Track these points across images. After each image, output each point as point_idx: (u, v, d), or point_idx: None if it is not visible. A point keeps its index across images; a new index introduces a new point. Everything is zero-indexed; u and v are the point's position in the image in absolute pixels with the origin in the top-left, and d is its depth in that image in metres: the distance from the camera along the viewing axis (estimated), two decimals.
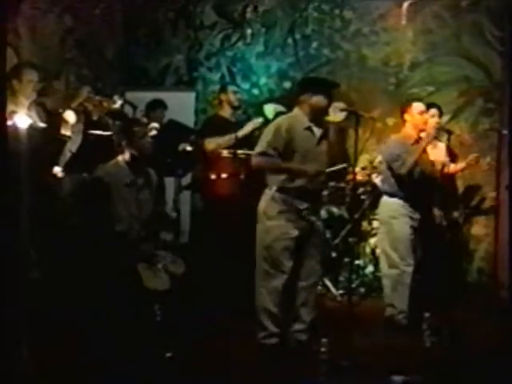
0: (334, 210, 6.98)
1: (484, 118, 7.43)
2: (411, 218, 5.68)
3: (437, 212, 6.17)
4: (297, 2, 7.91)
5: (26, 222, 4.27)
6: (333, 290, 6.73)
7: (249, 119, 7.24)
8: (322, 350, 4.36)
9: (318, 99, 4.85)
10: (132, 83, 7.94)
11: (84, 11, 7.33)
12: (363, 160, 7.04)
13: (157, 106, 7.08)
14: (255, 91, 7.99)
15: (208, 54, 8.14)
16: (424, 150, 5.67)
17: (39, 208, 5.19)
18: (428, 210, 5.90)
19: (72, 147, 5.72)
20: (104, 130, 5.79)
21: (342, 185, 7.03)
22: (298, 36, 7.93)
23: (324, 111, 4.94)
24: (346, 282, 6.74)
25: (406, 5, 7.59)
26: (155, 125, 5.98)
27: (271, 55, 7.98)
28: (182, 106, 7.63)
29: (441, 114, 6.39)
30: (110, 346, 4.48)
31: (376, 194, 6.54)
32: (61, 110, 5.69)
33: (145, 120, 6.35)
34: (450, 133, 6.04)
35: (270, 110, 7.06)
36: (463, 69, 7.49)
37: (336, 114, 5.97)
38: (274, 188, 4.82)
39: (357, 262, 7.06)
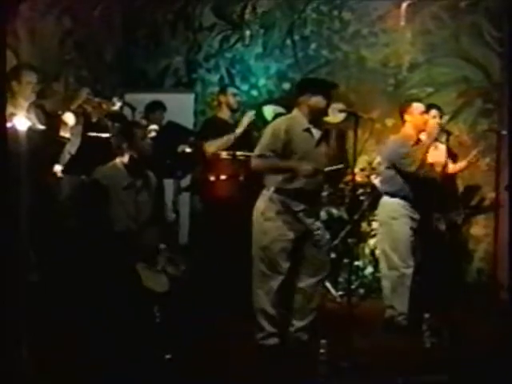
0: (334, 211, 6.98)
1: (483, 119, 7.43)
2: (411, 218, 5.68)
3: (437, 213, 6.17)
4: (295, 4, 7.91)
5: (26, 224, 4.28)
6: (332, 291, 6.73)
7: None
8: (322, 351, 4.36)
9: (317, 100, 4.85)
10: (131, 85, 7.95)
11: (83, 13, 7.33)
12: (362, 161, 7.04)
13: (156, 107, 7.09)
14: (254, 92, 7.99)
15: (207, 56, 8.14)
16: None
17: (38, 209, 5.19)
18: (428, 210, 5.90)
19: (71, 149, 5.71)
20: (103, 132, 5.79)
21: (341, 186, 7.04)
22: (296, 37, 7.94)
23: (323, 112, 4.94)
24: (345, 283, 6.75)
25: (404, 6, 7.59)
26: (154, 126, 5.98)
27: (270, 56, 7.99)
28: (181, 107, 7.64)
29: (441, 115, 6.39)
30: (110, 347, 4.47)
31: (375, 194, 6.55)
32: (60, 112, 5.69)
33: (144, 122, 6.36)
34: (448, 133, 6.04)
35: (269, 111, 7.08)
36: (462, 70, 7.50)
37: (335, 115, 5.98)
38: (272, 189, 4.82)
39: (356, 263, 7.06)
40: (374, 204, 6.49)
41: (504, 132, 6.59)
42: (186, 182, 6.74)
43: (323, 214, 6.59)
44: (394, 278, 5.66)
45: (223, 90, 6.65)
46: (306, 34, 7.90)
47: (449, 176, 6.40)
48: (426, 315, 5.17)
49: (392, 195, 5.72)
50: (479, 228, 7.41)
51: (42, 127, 5.49)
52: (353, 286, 6.69)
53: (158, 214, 5.37)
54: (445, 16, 7.57)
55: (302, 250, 4.86)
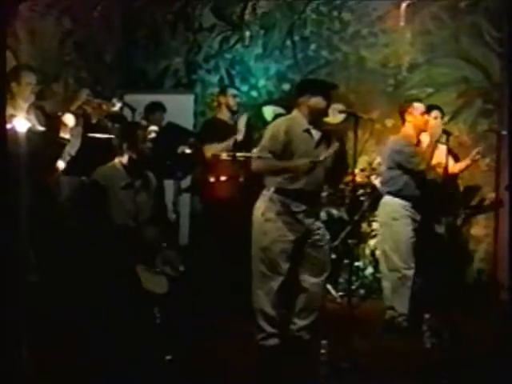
0: (334, 211, 6.98)
1: (483, 119, 7.43)
2: (412, 219, 5.68)
3: (438, 213, 6.17)
4: (295, 4, 7.91)
5: (26, 224, 4.28)
6: (333, 291, 6.73)
7: (248, 122, 7.24)
8: (322, 351, 4.36)
9: (317, 101, 4.85)
10: (131, 86, 7.95)
11: (82, 14, 7.33)
12: (362, 162, 7.05)
13: (156, 108, 7.09)
14: (254, 93, 7.99)
15: (207, 57, 8.15)
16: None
17: (38, 210, 5.19)
18: (429, 211, 5.90)
19: (71, 150, 5.71)
20: (103, 133, 5.79)
21: (342, 186, 7.03)
22: (296, 38, 7.94)
23: (323, 113, 4.93)
24: (345, 283, 6.75)
25: (404, 6, 7.59)
26: (154, 127, 5.98)
27: (270, 57, 7.99)
28: (180, 108, 7.64)
29: (443, 116, 6.39)
30: (110, 347, 4.47)
31: (375, 195, 6.55)
32: (60, 113, 5.68)
33: (144, 123, 6.36)
34: (448, 134, 6.04)
35: (268, 111, 7.08)
36: (462, 70, 7.50)
37: (335, 116, 5.98)
38: (272, 189, 4.82)
39: (356, 263, 7.06)
40: (374, 204, 6.49)
41: (504, 132, 6.59)
42: (186, 182, 6.73)
43: (323, 215, 6.59)
44: (395, 279, 5.65)
45: (223, 91, 6.66)
46: (306, 35, 7.91)
47: (450, 177, 6.41)
48: (426, 316, 5.17)
49: (394, 195, 5.71)
50: (479, 228, 7.41)
51: (41, 128, 5.49)
52: (353, 287, 6.69)
53: (158, 214, 5.36)
54: (444, 16, 7.57)
55: (303, 250, 4.85)
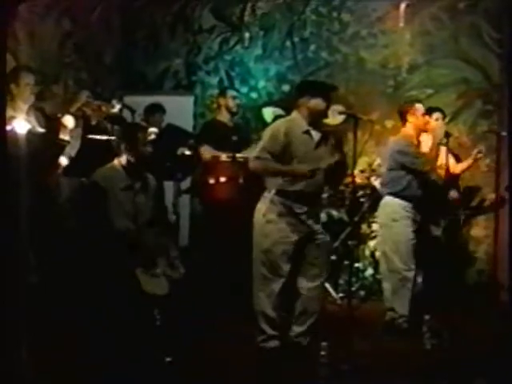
0: (334, 212, 6.98)
1: (482, 120, 7.44)
2: (413, 220, 5.68)
3: (438, 214, 6.17)
4: (295, 5, 7.91)
5: (26, 225, 4.28)
6: (333, 293, 6.72)
7: (247, 123, 7.27)
8: (322, 353, 4.35)
9: (317, 102, 4.84)
10: (130, 87, 7.95)
11: (82, 15, 7.33)
12: (362, 163, 7.05)
13: (155, 110, 7.09)
14: (254, 95, 8.00)
15: (206, 58, 8.15)
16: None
17: (38, 212, 5.19)
18: (430, 212, 5.91)
19: (71, 152, 5.71)
20: (103, 135, 5.79)
21: (341, 188, 7.03)
22: (296, 39, 7.95)
23: (323, 114, 4.93)
24: (345, 285, 6.75)
25: (403, 7, 7.59)
26: (154, 129, 5.98)
27: (269, 58, 8.00)
28: (180, 110, 7.64)
29: (444, 118, 6.39)
30: (110, 349, 4.47)
31: (375, 196, 6.55)
32: (59, 115, 5.68)
33: (143, 124, 6.35)
34: (448, 135, 6.04)
35: (268, 113, 7.07)
36: (461, 71, 7.50)
37: (334, 117, 5.98)
38: (273, 191, 4.82)
39: (356, 264, 7.06)
40: (374, 206, 6.49)
41: (504, 133, 6.59)
42: (185, 184, 6.73)
43: (323, 216, 6.59)
44: (395, 281, 5.65)
45: (223, 93, 6.66)
46: (306, 36, 7.91)
47: (452, 177, 6.42)
48: (427, 317, 5.17)
49: (395, 196, 5.70)
50: (479, 229, 7.42)
51: (41, 130, 5.49)
52: (353, 288, 6.70)
53: (158, 216, 5.36)
54: (444, 17, 7.58)
55: (303, 252, 4.85)
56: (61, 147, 5.64)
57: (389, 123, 7.38)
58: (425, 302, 5.67)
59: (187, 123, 7.53)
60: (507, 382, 4.35)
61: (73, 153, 5.73)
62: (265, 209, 4.83)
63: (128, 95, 7.48)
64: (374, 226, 6.94)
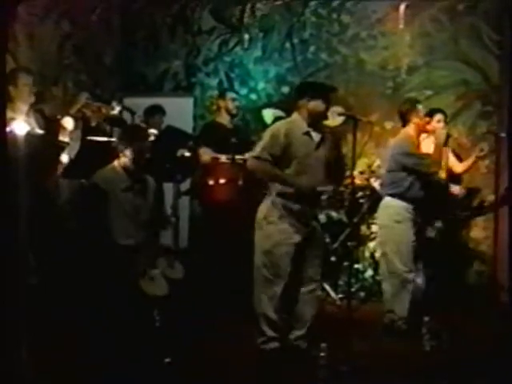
0: (333, 214, 6.98)
1: (482, 122, 7.44)
2: (414, 222, 5.67)
3: (439, 215, 6.18)
4: (294, 7, 7.92)
5: (25, 227, 4.28)
6: (332, 294, 6.72)
7: (247, 125, 7.27)
8: (322, 354, 4.35)
9: (316, 104, 4.85)
10: (130, 89, 7.96)
11: (81, 17, 7.34)
12: (362, 164, 7.05)
13: (155, 111, 7.09)
14: (253, 96, 8.00)
15: (206, 60, 8.16)
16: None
17: (38, 213, 5.18)
18: (431, 213, 5.91)
19: (70, 153, 5.71)
20: (102, 137, 5.79)
21: (341, 189, 7.03)
22: (295, 40, 7.95)
23: (322, 116, 4.93)
24: (345, 286, 6.74)
25: (403, 8, 7.59)
26: (153, 131, 5.99)
27: (269, 60, 8.00)
28: (180, 111, 7.64)
29: (446, 119, 6.39)
30: (109, 350, 4.47)
31: (375, 197, 6.55)
32: (59, 117, 5.68)
33: (143, 126, 6.36)
34: (448, 136, 6.05)
35: (268, 114, 7.08)
36: (461, 72, 7.50)
37: (334, 119, 5.98)
38: (274, 193, 4.82)
39: (356, 266, 7.06)
40: (373, 207, 6.49)
41: (503, 134, 6.58)
42: (185, 185, 6.73)
43: (323, 217, 6.59)
44: (396, 283, 5.64)
45: (222, 95, 6.67)
46: (305, 38, 7.92)
47: (454, 177, 6.44)
48: (426, 318, 5.16)
49: (397, 197, 5.68)
50: (479, 230, 7.41)
51: (41, 131, 5.49)
52: (353, 289, 6.70)
53: (158, 217, 5.36)
54: (443, 18, 7.58)
55: (304, 253, 4.85)
56: (60, 149, 5.64)
57: (388, 124, 7.40)
58: (424, 304, 5.66)
59: (187, 125, 7.53)
60: (507, 382, 4.35)
61: (72, 154, 5.72)
62: (266, 210, 4.84)
63: (128, 97, 7.50)
64: (374, 227, 6.94)
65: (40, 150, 5.28)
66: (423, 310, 5.40)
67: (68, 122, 5.65)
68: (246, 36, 8.01)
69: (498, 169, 7.18)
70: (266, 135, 4.88)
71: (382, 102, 7.61)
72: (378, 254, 6.85)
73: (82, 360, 4.45)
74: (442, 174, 5.94)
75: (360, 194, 7.04)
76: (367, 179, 7.07)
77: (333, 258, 6.88)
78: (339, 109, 5.94)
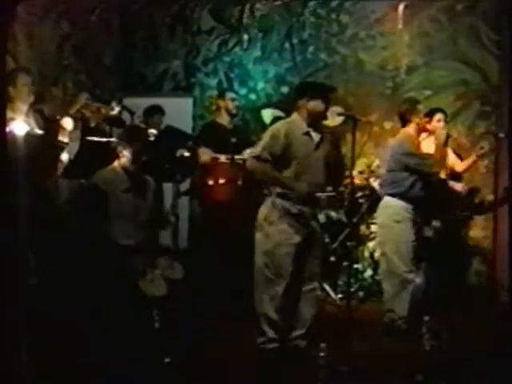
0: (333, 214, 6.98)
1: (481, 121, 7.45)
2: (414, 222, 5.67)
3: (439, 215, 6.18)
4: (293, 7, 7.92)
5: (25, 227, 4.27)
6: (332, 294, 6.72)
7: (246, 125, 7.26)
8: (321, 354, 4.35)
9: (316, 104, 4.85)
10: (130, 89, 7.96)
11: (81, 17, 7.33)
12: (361, 164, 7.05)
13: (154, 111, 7.10)
14: (253, 96, 8.00)
15: (205, 60, 8.16)
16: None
17: (37, 213, 5.18)
18: (431, 212, 5.91)
19: (70, 154, 5.71)
20: (102, 137, 5.79)
21: (340, 189, 7.03)
22: (295, 41, 7.96)
23: (322, 116, 4.94)
24: (344, 286, 6.74)
25: (402, 8, 7.60)
26: (153, 131, 5.99)
27: (268, 60, 8.00)
28: (179, 111, 7.65)
29: (446, 118, 6.39)
30: (109, 350, 4.48)
31: (374, 197, 6.55)
32: (58, 117, 5.68)
33: (143, 126, 6.36)
34: (448, 136, 6.06)
35: (267, 115, 7.08)
36: (460, 72, 7.51)
37: (333, 119, 5.98)
38: (274, 194, 4.82)
39: (355, 265, 7.06)
40: (373, 207, 6.49)
41: (501, 135, 6.59)
42: (185, 185, 6.73)
43: (322, 217, 6.59)
44: (396, 282, 5.63)
45: (222, 95, 6.66)
46: (304, 38, 7.92)
47: (454, 176, 6.45)
48: (426, 318, 5.16)
49: (398, 197, 5.67)
50: (478, 230, 7.41)
51: (40, 132, 5.49)
52: (352, 289, 6.70)
53: (157, 217, 5.37)
54: (442, 18, 7.59)
55: (304, 253, 4.85)
56: (60, 149, 5.64)
57: (387, 124, 7.41)
58: (424, 303, 5.66)
59: (186, 125, 7.54)
60: (507, 382, 4.35)
61: (72, 155, 5.72)
62: (266, 211, 4.84)
63: (127, 97, 7.49)
64: (373, 227, 6.94)
65: (39, 150, 5.27)
66: (423, 309, 5.40)
67: (67, 123, 5.65)
68: (246, 36, 8.02)
69: (497, 169, 7.19)
70: (266, 135, 4.88)
71: (381, 102, 7.62)
72: (377, 254, 6.86)
73: (82, 360, 4.45)
74: (443, 174, 5.94)
75: (359, 194, 7.04)
76: (366, 179, 7.07)
77: (332, 258, 6.88)
78: (338, 109, 5.94)
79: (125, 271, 4.74)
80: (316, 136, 4.90)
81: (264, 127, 6.40)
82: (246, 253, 4.99)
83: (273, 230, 4.80)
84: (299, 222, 4.81)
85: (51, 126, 5.65)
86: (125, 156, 5.05)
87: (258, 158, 4.78)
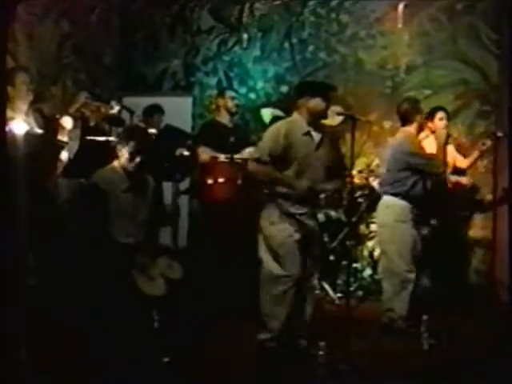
0: (332, 213, 6.98)
1: (480, 121, 7.44)
2: (416, 222, 5.67)
3: (440, 214, 6.18)
4: (293, 6, 7.92)
5: (25, 227, 4.28)
6: (331, 293, 6.72)
7: (246, 124, 7.26)
8: (320, 353, 4.36)
9: (316, 102, 4.85)
10: (129, 88, 7.97)
11: (81, 16, 7.34)
12: (360, 163, 7.06)
13: (154, 111, 7.10)
14: (252, 95, 8.01)
15: (205, 59, 8.16)
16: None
17: (37, 213, 5.19)
18: (432, 212, 5.91)
19: (69, 153, 5.71)
20: (101, 136, 5.79)
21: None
22: (294, 40, 7.95)
23: (322, 114, 4.94)
24: (344, 285, 6.74)
25: (401, 8, 7.60)
26: (152, 130, 5.99)
27: (268, 59, 8.01)
28: (179, 110, 7.65)
29: (448, 117, 6.40)
30: (109, 350, 4.48)
31: (373, 197, 6.54)
32: (58, 116, 5.68)
33: (142, 125, 6.37)
34: (448, 136, 6.06)
35: (267, 114, 7.08)
36: (460, 72, 7.51)
37: (333, 118, 5.98)
38: (274, 194, 4.83)
39: (355, 265, 7.07)
40: (372, 206, 6.48)
41: (500, 134, 6.59)
42: (184, 185, 6.74)
43: (321, 216, 6.59)
44: (397, 282, 5.61)
45: (221, 94, 6.66)
46: (304, 37, 7.92)
47: (458, 173, 6.48)
48: (425, 317, 5.17)
49: (400, 196, 5.65)
50: (477, 229, 7.41)
51: (40, 131, 5.49)
52: (351, 288, 6.71)
53: (157, 216, 5.37)
54: (442, 18, 7.59)
55: (304, 252, 4.86)
56: (59, 148, 5.64)
57: (387, 124, 7.40)
58: (423, 303, 5.66)
59: (186, 124, 7.55)
60: (507, 382, 4.36)
61: (71, 154, 5.73)
62: (268, 211, 4.85)
63: (127, 96, 7.50)
64: (373, 227, 6.94)
65: (39, 149, 5.28)
66: (422, 308, 5.40)
67: (67, 122, 5.65)
68: (245, 35, 8.02)
69: (496, 168, 7.19)
70: (266, 136, 4.88)
71: (380, 101, 7.62)
72: (376, 253, 6.87)
73: (82, 360, 4.45)
74: (448, 172, 5.95)
75: (359, 193, 7.04)
76: (366, 178, 7.07)
77: (331, 257, 6.89)
78: (338, 108, 5.95)
79: (124, 270, 4.74)
80: (317, 136, 4.90)
81: (263, 126, 6.39)
82: (245, 252, 5.00)
83: (275, 230, 4.80)
84: (299, 222, 4.81)
85: (51, 125, 5.65)
86: (124, 155, 5.05)
87: (258, 160, 4.79)
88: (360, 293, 6.92)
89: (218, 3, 8.08)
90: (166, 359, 4.42)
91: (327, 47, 7.87)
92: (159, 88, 8.23)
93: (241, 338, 5.13)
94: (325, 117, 4.99)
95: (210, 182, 6.10)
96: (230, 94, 6.64)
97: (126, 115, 6.24)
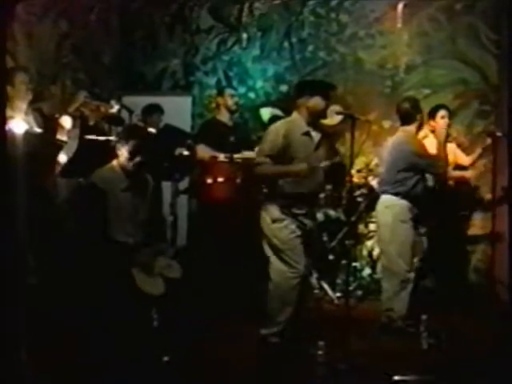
0: (331, 212, 6.98)
1: (479, 121, 7.45)
2: (416, 221, 5.67)
3: (440, 214, 6.19)
4: (292, 6, 7.92)
5: (24, 227, 4.28)
6: (330, 292, 6.72)
7: (245, 124, 7.26)
8: (320, 352, 4.36)
9: (316, 101, 4.85)
10: (129, 88, 7.96)
11: (80, 16, 7.33)
12: (359, 163, 7.05)
13: (153, 110, 7.10)
14: (252, 95, 8.00)
15: (204, 58, 8.16)
16: None
17: (37, 213, 5.19)
18: (432, 211, 5.91)
19: (68, 152, 5.71)
20: (100, 135, 5.79)
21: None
22: (294, 39, 7.95)
23: (322, 114, 4.93)
24: (343, 284, 6.74)
25: (401, 8, 7.60)
26: (152, 129, 5.99)
27: (267, 59, 8.00)
28: (178, 110, 7.65)
29: (449, 115, 6.39)
30: (109, 349, 4.48)
31: (372, 196, 6.54)
32: (57, 115, 5.69)
33: (141, 125, 6.36)
34: (447, 135, 6.06)
35: (266, 113, 7.08)
36: (459, 71, 7.52)
37: (332, 117, 5.98)
38: (274, 194, 4.83)
39: (354, 264, 7.07)
40: (371, 205, 6.48)
41: (499, 134, 6.59)
42: (183, 184, 6.74)
43: (320, 216, 6.60)
44: (397, 282, 5.59)
45: (221, 92, 6.67)
46: (304, 37, 7.92)
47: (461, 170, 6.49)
48: (424, 317, 5.17)
49: (401, 196, 5.64)
50: (477, 229, 7.41)
51: (39, 130, 5.49)
52: (350, 288, 6.69)
53: (156, 216, 5.37)
54: (441, 18, 7.59)
55: (305, 252, 4.86)
56: (58, 148, 5.64)
57: (386, 123, 7.41)
58: (423, 302, 5.66)
59: (185, 123, 7.54)
60: (507, 382, 4.36)
61: (70, 153, 5.72)
62: (268, 211, 4.84)
63: (126, 95, 7.50)
64: (372, 226, 6.94)
65: (38, 148, 5.28)
66: (422, 308, 5.40)
67: (66, 121, 5.65)
68: (245, 35, 8.01)
69: (496, 167, 7.18)
70: (265, 138, 4.88)
71: (380, 100, 7.62)
72: (375, 253, 6.88)
73: (82, 360, 4.45)
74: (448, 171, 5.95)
75: (358, 192, 7.04)
76: (365, 178, 7.07)
77: (331, 257, 6.89)
78: (337, 108, 5.94)
79: (123, 270, 4.74)
80: (316, 135, 4.90)
81: (263, 126, 6.40)
82: (245, 251, 5.00)
83: (277, 228, 4.80)
84: (299, 221, 4.82)
85: (50, 124, 5.66)
86: (123, 154, 5.05)
87: (260, 164, 4.80)
88: (359, 292, 6.92)
89: (218, 2, 8.08)
90: (166, 358, 4.42)
91: (327, 47, 7.87)
92: (158, 87, 8.23)
93: (241, 338, 5.14)
94: (324, 116, 5.00)
95: (209, 181, 6.10)
96: (229, 92, 6.65)
97: (125, 114, 6.24)
